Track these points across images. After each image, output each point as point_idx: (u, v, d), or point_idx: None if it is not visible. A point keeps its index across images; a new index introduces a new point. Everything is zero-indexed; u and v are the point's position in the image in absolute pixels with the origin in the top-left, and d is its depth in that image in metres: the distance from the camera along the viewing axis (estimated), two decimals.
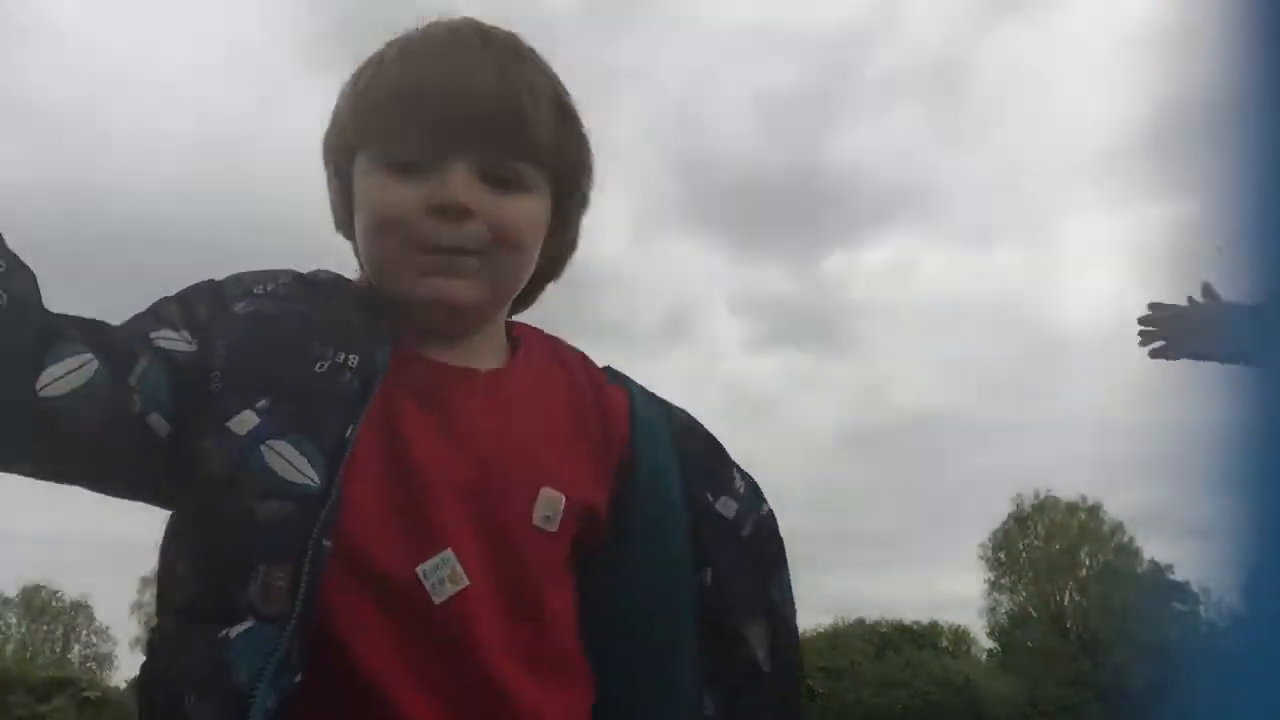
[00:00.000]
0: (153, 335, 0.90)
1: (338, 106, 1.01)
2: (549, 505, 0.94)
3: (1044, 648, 34.34)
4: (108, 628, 40.63)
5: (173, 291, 0.95)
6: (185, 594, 0.85)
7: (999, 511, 40.09)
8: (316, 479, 0.85)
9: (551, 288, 1.11)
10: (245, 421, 0.86)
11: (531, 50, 1.00)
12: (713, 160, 61.29)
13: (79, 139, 61.58)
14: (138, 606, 38.58)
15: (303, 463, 0.85)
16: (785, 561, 1.08)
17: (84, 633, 40.51)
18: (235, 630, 0.81)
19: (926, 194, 61.72)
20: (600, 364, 1.11)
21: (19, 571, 42.21)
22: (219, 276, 0.99)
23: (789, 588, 1.07)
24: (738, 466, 1.10)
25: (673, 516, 1.01)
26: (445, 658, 0.87)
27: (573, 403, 1.03)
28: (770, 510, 1.09)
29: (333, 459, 0.86)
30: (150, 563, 0.93)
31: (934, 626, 37.66)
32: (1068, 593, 37.70)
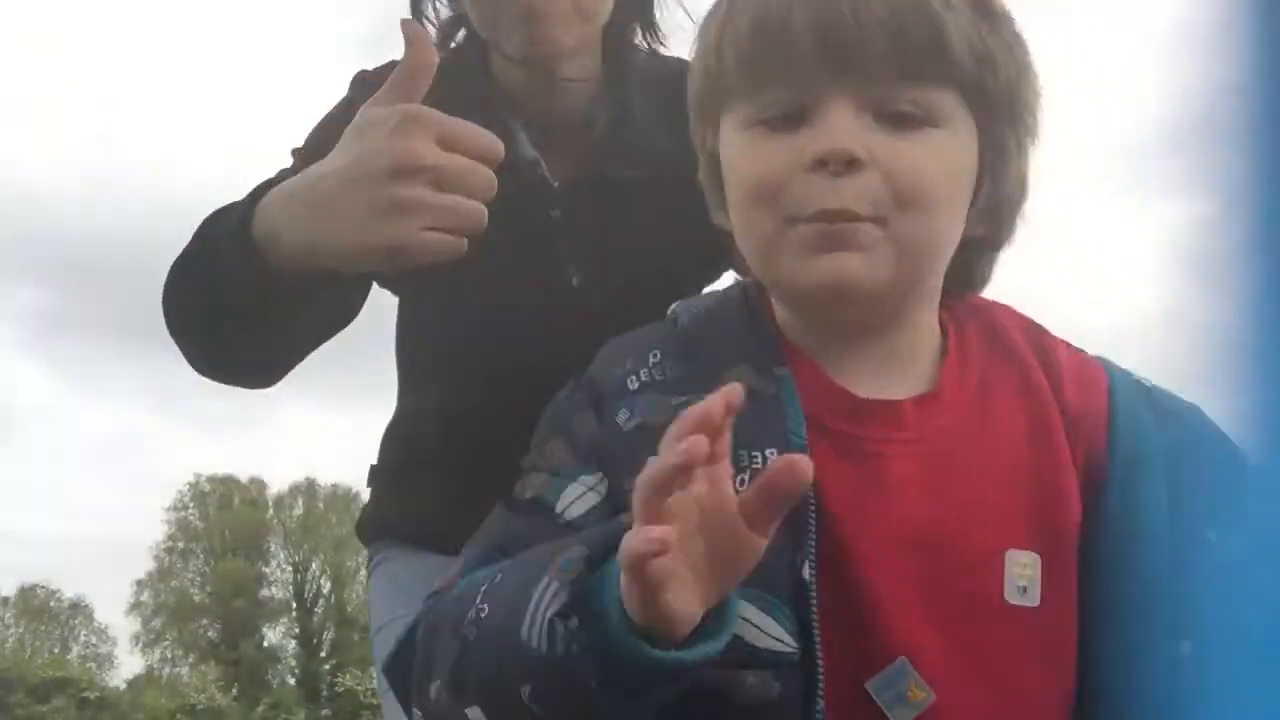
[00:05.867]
0: (559, 512, 0.77)
1: (690, 69, 0.83)
2: (1022, 572, 0.73)
3: None
4: (107, 628, 40.63)
5: None
6: None
7: None
8: (793, 643, 0.70)
9: None
10: None
11: None
12: None
13: (106, 139, 61.64)
14: (134, 607, 38.61)
15: (771, 624, 0.70)
16: None
17: (82, 633, 40.50)
18: None
19: None
20: None
21: (18, 571, 42.34)
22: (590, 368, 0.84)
23: None
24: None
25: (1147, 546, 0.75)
26: None
27: (1031, 409, 0.79)
28: None
29: (800, 609, 0.70)
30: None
31: None
32: None
